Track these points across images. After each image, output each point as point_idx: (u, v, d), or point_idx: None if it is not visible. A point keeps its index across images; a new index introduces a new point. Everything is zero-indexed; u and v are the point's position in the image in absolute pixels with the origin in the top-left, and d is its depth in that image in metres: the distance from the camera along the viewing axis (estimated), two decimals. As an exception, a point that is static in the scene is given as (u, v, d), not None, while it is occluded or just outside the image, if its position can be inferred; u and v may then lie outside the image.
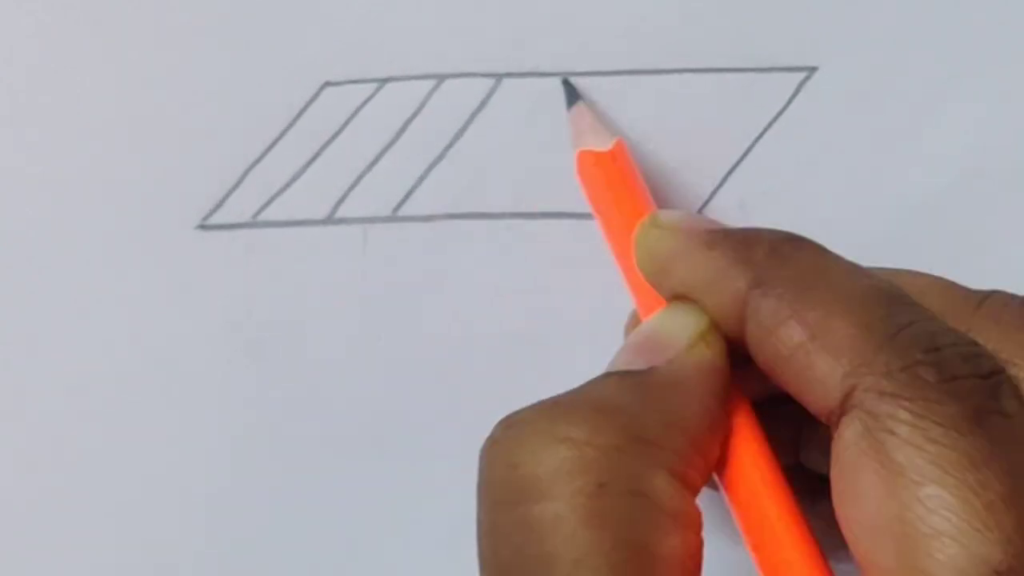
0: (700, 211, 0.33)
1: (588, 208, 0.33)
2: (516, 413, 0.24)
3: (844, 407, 0.23)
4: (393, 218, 0.33)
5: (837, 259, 0.25)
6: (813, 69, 0.33)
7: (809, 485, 0.25)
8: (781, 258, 0.25)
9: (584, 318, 0.33)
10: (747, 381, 0.25)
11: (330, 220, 0.33)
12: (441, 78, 0.33)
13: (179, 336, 0.33)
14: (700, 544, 0.23)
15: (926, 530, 0.21)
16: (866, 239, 0.33)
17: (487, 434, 0.32)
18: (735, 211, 0.33)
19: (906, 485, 0.21)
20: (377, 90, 0.33)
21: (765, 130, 0.33)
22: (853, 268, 0.25)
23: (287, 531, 0.33)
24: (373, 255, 0.33)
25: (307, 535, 0.33)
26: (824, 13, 0.33)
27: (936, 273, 0.32)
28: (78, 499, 0.33)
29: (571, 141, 0.32)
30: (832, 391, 0.23)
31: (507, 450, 0.23)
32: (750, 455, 0.25)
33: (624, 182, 0.30)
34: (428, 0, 0.33)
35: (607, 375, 0.25)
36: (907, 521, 0.21)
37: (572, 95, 0.32)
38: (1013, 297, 0.25)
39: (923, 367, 0.22)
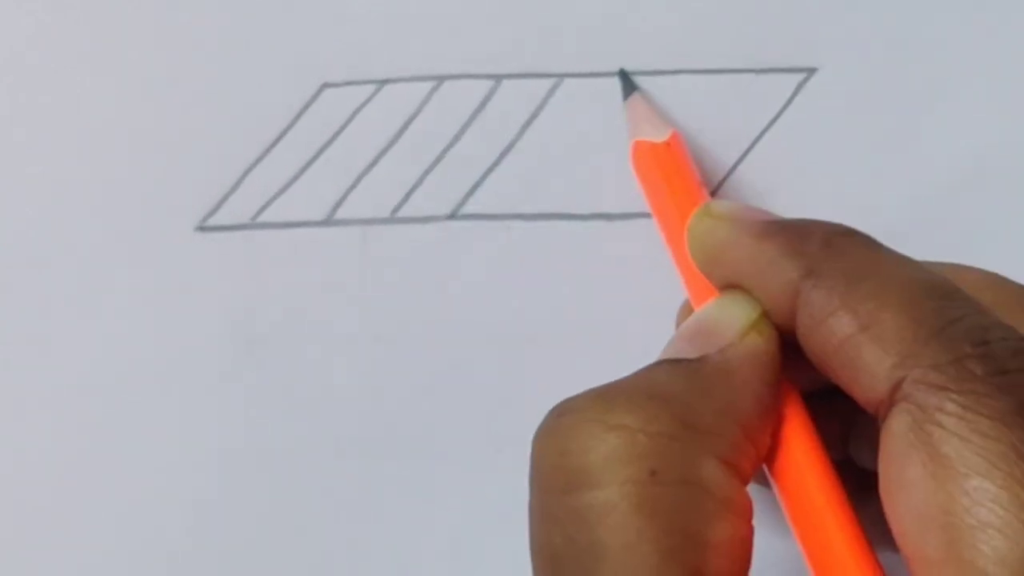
0: (699, 212, 0.33)
1: (587, 210, 0.33)
2: (567, 401, 0.24)
3: (892, 399, 0.22)
4: (392, 219, 0.33)
5: (889, 252, 0.25)
6: (812, 70, 0.33)
7: (857, 481, 0.25)
8: (833, 250, 0.25)
9: (583, 319, 0.33)
10: (797, 373, 0.25)
11: (329, 222, 0.33)
12: (440, 79, 0.33)
13: (179, 338, 0.33)
14: (751, 532, 0.24)
15: (972, 522, 0.21)
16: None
17: (487, 435, 0.33)
18: (734, 212, 0.33)
19: (953, 477, 0.21)
20: (376, 91, 0.33)
21: (764, 131, 0.33)
22: (905, 261, 0.25)
23: (287, 532, 0.33)
24: (372, 257, 0.33)
25: (307, 537, 0.33)
26: (823, 14, 0.33)
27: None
28: (77, 499, 0.33)
29: (626, 131, 0.32)
30: (880, 383, 0.23)
31: (558, 438, 0.23)
32: (800, 445, 0.25)
33: (679, 173, 0.30)
34: (427, 2, 0.33)
35: (659, 363, 0.25)
36: (953, 512, 0.21)
37: (628, 85, 0.32)
38: None
39: (972, 360, 0.22)
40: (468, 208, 0.33)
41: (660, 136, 0.31)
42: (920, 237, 0.33)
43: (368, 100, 0.33)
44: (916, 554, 0.22)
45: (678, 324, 0.30)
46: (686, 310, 0.29)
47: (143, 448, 0.33)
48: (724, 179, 0.33)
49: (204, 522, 0.33)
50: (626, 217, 0.33)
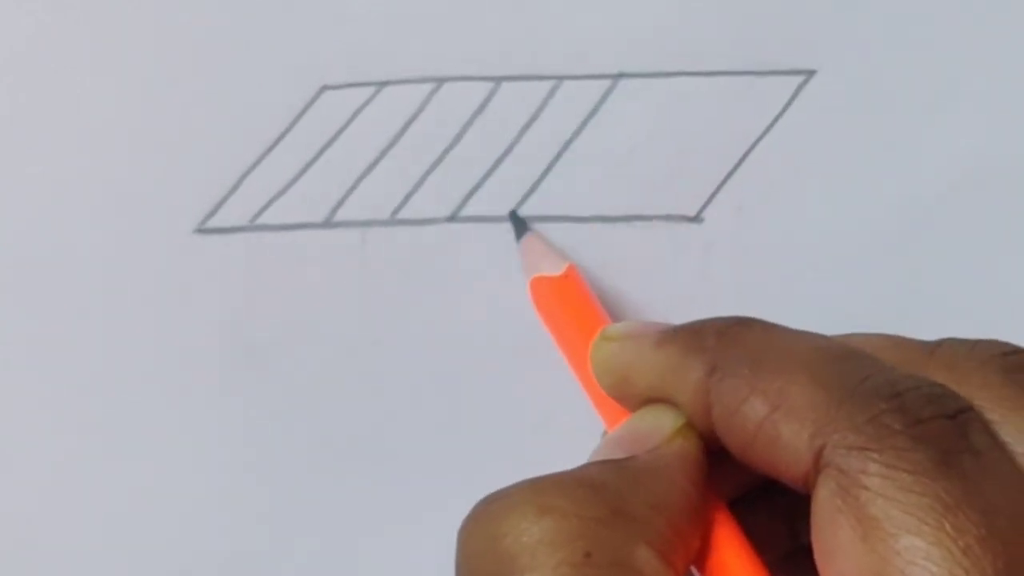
0: (699, 214, 0.33)
1: (586, 211, 0.33)
2: (497, 491, 0.24)
3: (816, 469, 0.22)
4: (392, 221, 0.33)
5: (785, 330, 0.25)
6: (811, 72, 0.33)
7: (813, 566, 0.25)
8: (729, 339, 0.25)
9: (582, 321, 0.33)
10: (728, 478, 0.26)
11: (328, 223, 0.33)
12: (439, 81, 0.33)
13: (177, 339, 0.33)
14: None
15: None
16: (864, 242, 0.33)
17: (487, 438, 0.33)
18: (733, 215, 0.33)
19: (883, 538, 0.21)
20: (375, 93, 0.33)
21: (763, 134, 0.33)
22: (802, 334, 0.25)
23: (285, 535, 0.33)
24: (372, 258, 0.33)
25: (304, 539, 0.33)
26: (823, 16, 0.33)
27: (935, 277, 0.32)
28: (75, 501, 0.33)
29: (523, 269, 0.32)
30: (802, 456, 0.23)
31: (490, 523, 0.23)
32: (729, 548, 0.25)
33: (577, 304, 0.31)
34: (426, 4, 0.33)
35: (588, 462, 0.25)
36: (886, 574, 0.21)
37: (520, 226, 0.33)
38: (963, 342, 0.25)
39: (888, 415, 0.22)
40: (468, 210, 0.33)
41: (556, 270, 0.31)
42: (920, 238, 0.33)
43: (368, 102, 0.33)
44: None
45: None
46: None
47: (142, 449, 0.33)
48: (724, 181, 0.33)
49: (202, 523, 0.33)
50: (625, 220, 0.33)
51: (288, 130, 0.33)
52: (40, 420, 0.33)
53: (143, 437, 0.33)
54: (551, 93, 0.33)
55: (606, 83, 0.33)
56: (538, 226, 0.33)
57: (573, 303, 0.31)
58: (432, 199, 0.33)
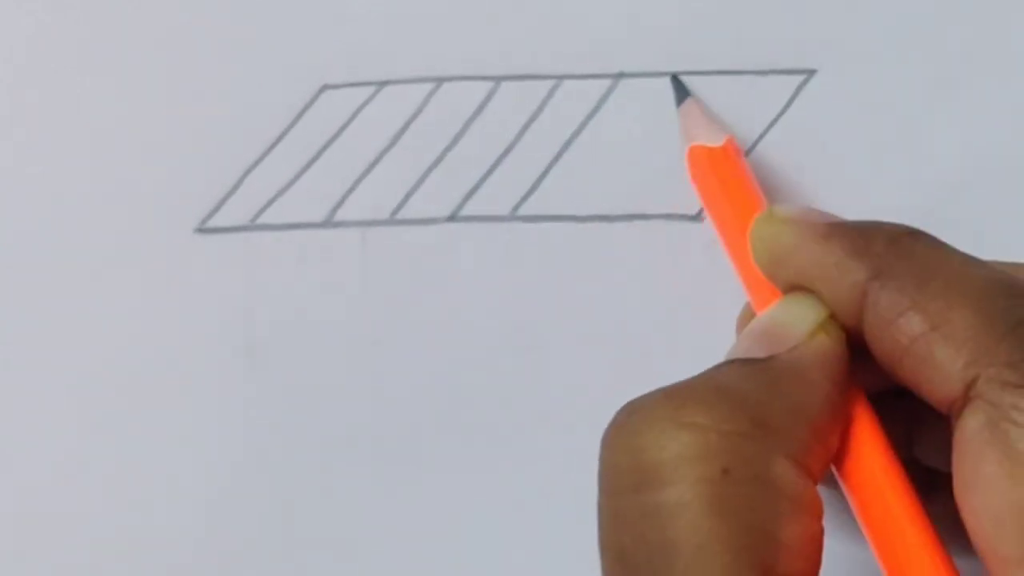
0: (699, 214, 0.33)
1: (587, 211, 0.33)
2: (638, 399, 0.24)
3: (966, 397, 0.23)
4: (391, 221, 0.33)
5: (955, 251, 0.25)
6: (812, 72, 0.33)
7: (922, 480, 0.25)
8: (900, 250, 0.25)
9: (582, 321, 0.33)
10: (861, 375, 0.26)
11: (328, 223, 0.33)
12: (439, 81, 0.33)
13: (178, 339, 0.33)
14: (821, 532, 0.24)
15: None
16: (864, 242, 0.33)
17: (487, 438, 0.33)
18: (733, 215, 0.33)
19: None
20: (375, 93, 0.33)
21: (763, 133, 0.33)
22: (972, 260, 0.25)
23: (285, 535, 0.33)
24: (372, 258, 0.33)
25: (305, 539, 0.33)
26: (823, 16, 0.33)
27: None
28: (75, 501, 0.33)
29: (681, 136, 0.32)
30: (953, 381, 0.23)
31: (630, 436, 0.23)
32: (869, 445, 0.25)
33: (736, 177, 0.30)
34: (426, 4, 0.33)
35: (728, 362, 0.25)
36: None
37: (681, 91, 0.33)
38: None
39: None
40: (468, 210, 0.33)
41: (716, 141, 0.31)
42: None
43: (368, 101, 0.33)
44: (992, 552, 0.22)
45: (739, 327, 0.30)
46: (747, 314, 0.29)
47: (142, 450, 0.33)
48: (724, 181, 0.33)
49: (203, 523, 0.33)
50: (626, 219, 0.33)
51: (288, 130, 0.33)
52: (40, 420, 0.33)
53: (143, 437, 0.33)
54: (551, 93, 0.33)
55: (606, 83, 0.33)
56: (539, 225, 0.33)
57: (732, 177, 0.30)
58: (432, 199, 0.33)
